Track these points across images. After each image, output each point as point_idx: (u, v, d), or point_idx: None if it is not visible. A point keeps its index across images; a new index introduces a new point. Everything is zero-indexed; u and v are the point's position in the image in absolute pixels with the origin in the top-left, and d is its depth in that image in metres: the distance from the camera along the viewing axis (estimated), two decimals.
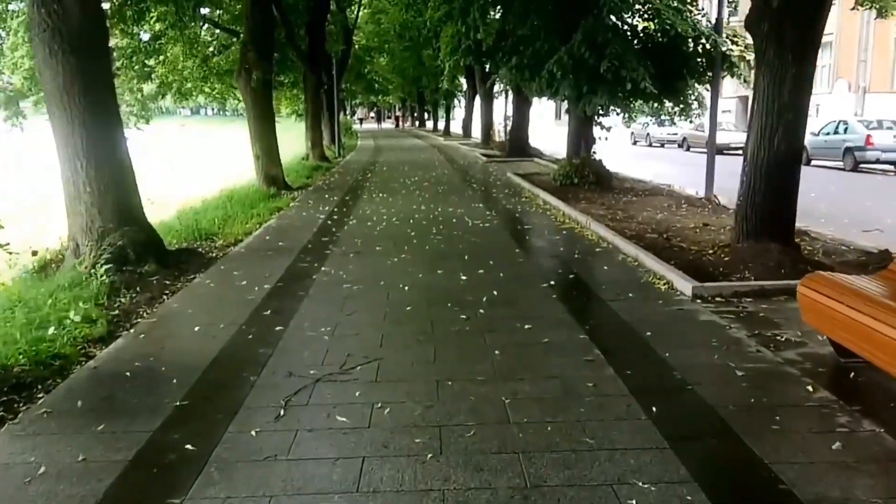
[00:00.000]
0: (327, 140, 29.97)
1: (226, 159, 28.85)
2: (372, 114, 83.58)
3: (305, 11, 23.12)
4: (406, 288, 6.85)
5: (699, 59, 14.39)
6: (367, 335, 5.41)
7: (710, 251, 8.03)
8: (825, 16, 7.08)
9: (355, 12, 31.16)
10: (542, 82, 14.02)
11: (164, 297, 6.72)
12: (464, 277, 7.25)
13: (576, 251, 8.55)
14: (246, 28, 16.00)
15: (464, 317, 5.84)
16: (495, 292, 6.59)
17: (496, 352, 4.96)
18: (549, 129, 46.24)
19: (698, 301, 6.22)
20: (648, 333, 5.30)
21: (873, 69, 33.92)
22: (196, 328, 5.68)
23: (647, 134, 36.38)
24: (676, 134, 32.71)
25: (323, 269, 7.78)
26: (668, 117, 17.58)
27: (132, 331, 5.67)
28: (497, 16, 18.01)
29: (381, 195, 14.68)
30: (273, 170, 16.01)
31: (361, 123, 79.81)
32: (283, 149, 27.04)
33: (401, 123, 70.98)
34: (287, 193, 15.32)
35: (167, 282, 7.21)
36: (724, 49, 13.48)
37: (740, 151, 9.99)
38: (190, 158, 33.02)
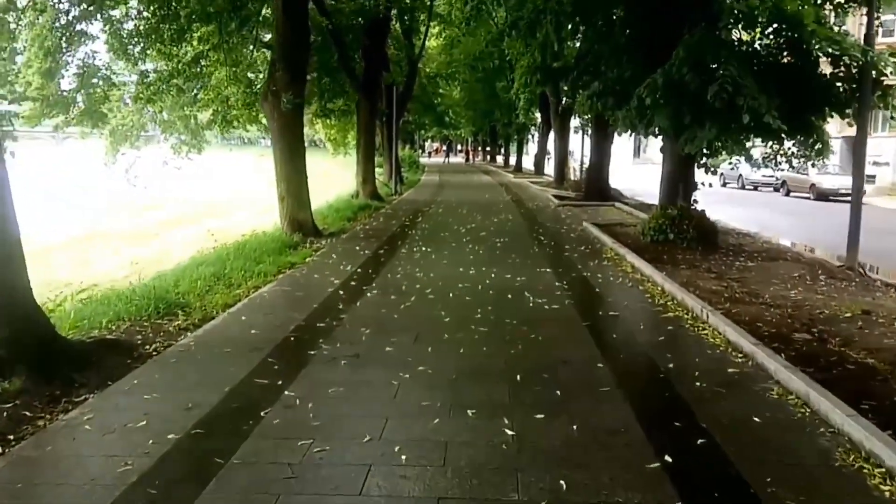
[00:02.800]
0: (386, 175, 27.52)
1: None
2: (443, 147, 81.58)
3: (362, 32, 20.76)
4: (404, 457, 3.86)
5: (840, 86, 11.01)
6: None
7: None
8: None
9: (421, 39, 28.85)
10: (630, 112, 10.94)
11: None
12: (509, 432, 4.21)
13: (696, 375, 5.31)
14: (276, 43, 13.59)
15: None
16: (563, 484, 3.53)
17: None
18: (626, 168, 42.72)
19: None
20: None
21: None
22: None
23: (740, 175, 32.56)
24: (773, 177, 28.96)
25: (287, 392, 4.88)
26: (786, 159, 14.11)
27: None
28: (575, 37, 15.20)
29: (424, 249, 11.79)
30: (301, 213, 13.41)
31: (430, 157, 77.96)
32: (334, 183, 24.71)
33: (471, 157, 68.46)
34: (313, 242, 12.64)
35: (26, 412, 4.45)
36: (884, 70, 10.08)
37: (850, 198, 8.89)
38: (244, 192, 31.18)
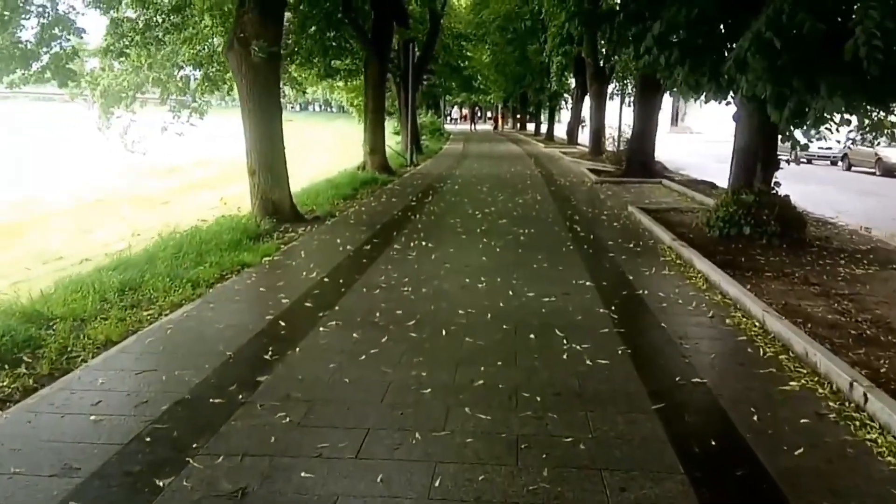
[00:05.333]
0: (403, 144, 24.72)
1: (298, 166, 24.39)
2: (465, 112, 77.81)
3: None
4: None
5: None
6: None
7: None
8: None
9: None
10: (730, 70, 8.00)
11: None
12: None
13: None
14: None
15: None
16: None
17: None
18: (662, 137, 38.72)
19: None
20: None
21: None
22: None
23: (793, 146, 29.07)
24: (831, 149, 25.71)
25: None
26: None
27: None
28: None
29: (424, 244, 9.07)
30: (276, 192, 10.75)
31: (456, 124, 74.59)
32: (352, 153, 21.75)
33: (500, 125, 64.86)
34: (287, 230, 10.01)
35: None
36: None
37: None
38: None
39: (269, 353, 4.89)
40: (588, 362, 4.77)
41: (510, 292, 6.64)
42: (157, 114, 17.15)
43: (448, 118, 76.04)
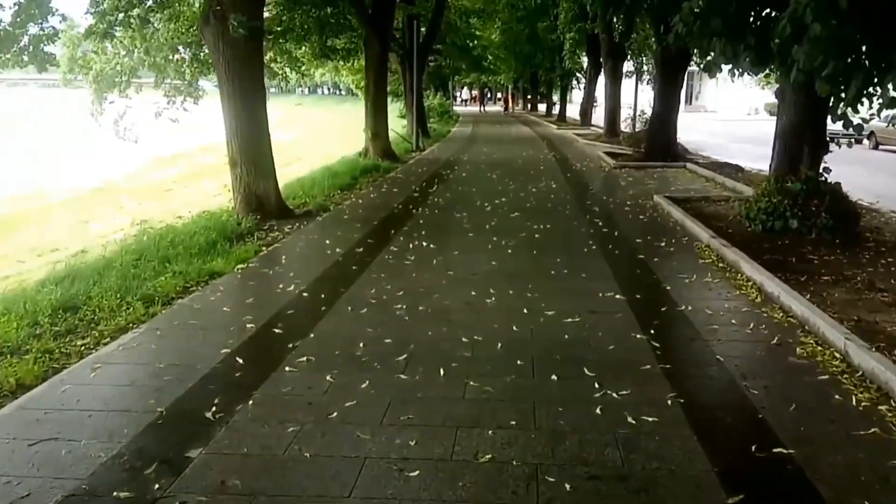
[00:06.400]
0: (409, 128, 23.48)
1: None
2: (475, 94, 75.98)
3: None
4: None
5: None
6: None
7: None
8: None
9: None
10: (782, 35, 6.75)
11: None
12: None
13: None
14: None
15: None
16: None
17: None
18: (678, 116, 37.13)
19: None
20: None
21: None
22: None
23: None
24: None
25: None
26: None
27: None
28: None
29: (425, 245, 7.91)
30: (260, 185, 9.61)
31: (466, 105, 73.00)
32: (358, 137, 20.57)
33: (510, 106, 63.12)
34: (271, 229, 8.89)
35: None
36: None
37: None
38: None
39: (214, 408, 3.75)
40: (630, 420, 3.61)
41: (525, 310, 5.48)
42: (155, 97, 16.18)
43: (458, 99, 74.44)
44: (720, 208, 10.12)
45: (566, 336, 4.91)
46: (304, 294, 5.96)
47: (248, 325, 5.15)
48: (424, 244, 7.91)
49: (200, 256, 7.29)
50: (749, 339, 4.89)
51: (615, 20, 23.36)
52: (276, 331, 5.06)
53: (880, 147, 24.31)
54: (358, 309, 5.53)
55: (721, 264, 6.94)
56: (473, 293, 5.96)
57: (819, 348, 4.64)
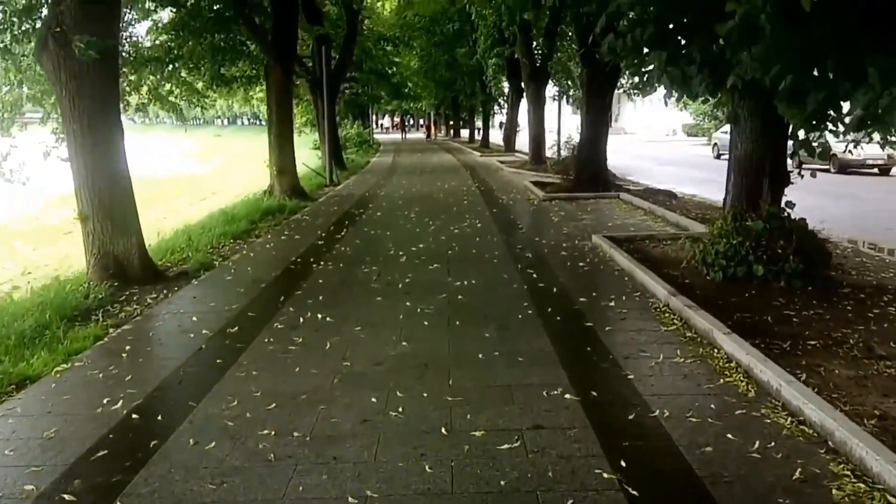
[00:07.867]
0: (323, 160, 21.80)
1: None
2: (397, 120, 74.72)
3: None
4: None
5: None
6: None
7: None
8: None
9: None
10: (730, 38, 5.48)
11: None
12: None
13: None
14: None
15: None
16: None
17: None
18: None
19: None
20: None
21: None
22: None
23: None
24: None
25: None
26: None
27: None
28: None
29: (321, 317, 6.26)
30: (119, 244, 7.77)
31: (388, 133, 71.64)
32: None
33: (433, 133, 61.89)
34: (130, 299, 7.08)
35: None
36: None
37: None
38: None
39: None
40: None
41: (443, 430, 3.91)
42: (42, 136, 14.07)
43: (381, 127, 72.99)
44: (668, 250, 8.85)
45: (503, 482, 3.35)
46: (133, 417, 4.21)
47: (27, 487, 3.38)
48: (319, 316, 6.25)
49: (17, 350, 5.45)
50: (761, 470, 3.43)
51: (534, 44, 22.35)
52: (66, 498, 3.30)
53: (803, 166, 24.06)
54: (203, 444, 3.82)
55: (689, 333, 5.55)
56: (374, 399, 4.35)
57: (862, 485, 3.22)
